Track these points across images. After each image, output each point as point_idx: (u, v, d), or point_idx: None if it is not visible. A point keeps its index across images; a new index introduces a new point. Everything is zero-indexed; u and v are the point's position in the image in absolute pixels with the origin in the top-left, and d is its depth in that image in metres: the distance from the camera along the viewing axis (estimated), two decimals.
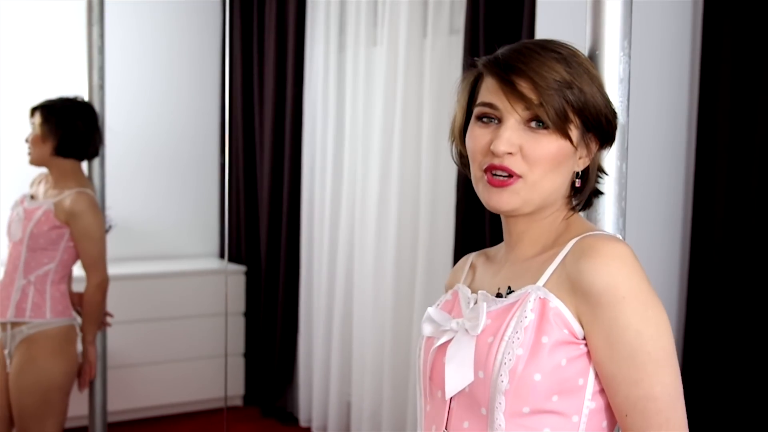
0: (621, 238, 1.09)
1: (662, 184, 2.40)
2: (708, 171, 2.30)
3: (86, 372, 2.76)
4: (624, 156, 1.20)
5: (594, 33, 1.20)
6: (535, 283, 1.09)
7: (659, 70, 2.37)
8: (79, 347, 2.71)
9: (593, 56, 1.20)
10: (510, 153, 1.09)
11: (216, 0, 4.61)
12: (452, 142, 1.24)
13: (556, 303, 1.06)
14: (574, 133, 1.10)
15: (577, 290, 1.05)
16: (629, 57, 1.20)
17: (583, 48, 1.21)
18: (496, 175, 1.10)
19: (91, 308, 2.69)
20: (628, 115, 1.20)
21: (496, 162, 1.10)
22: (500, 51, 1.14)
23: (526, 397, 1.04)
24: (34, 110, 2.68)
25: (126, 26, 4.33)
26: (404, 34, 3.36)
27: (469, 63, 1.20)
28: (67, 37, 4.11)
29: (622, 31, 1.19)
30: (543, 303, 1.06)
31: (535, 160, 1.09)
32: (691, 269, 2.36)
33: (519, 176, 1.09)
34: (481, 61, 1.16)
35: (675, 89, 2.39)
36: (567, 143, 1.09)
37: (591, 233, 1.10)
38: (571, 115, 1.09)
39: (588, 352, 1.05)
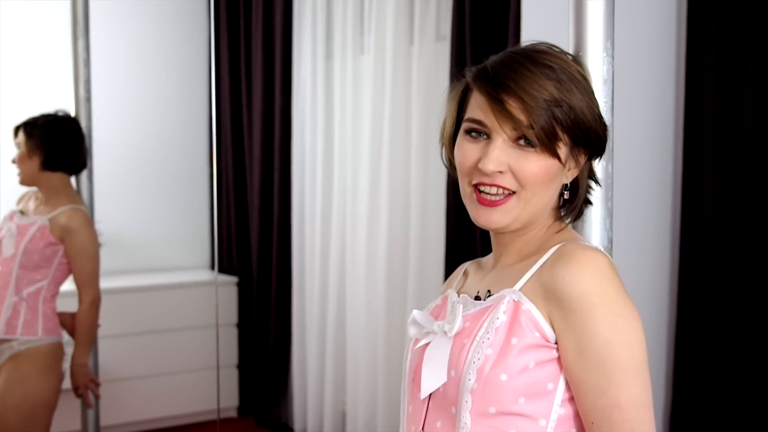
0: (602, 249, 1.10)
1: (649, 184, 2.41)
2: (695, 169, 2.31)
3: (93, 390, 2.75)
4: (610, 157, 1.20)
5: (577, 34, 1.20)
6: (512, 287, 1.10)
7: (645, 69, 2.38)
8: (65, 365, 2.69)
9: (577, 58, 1.20)
10: (500, 171, 1.09)
11: (202, 11, 4.61)
12: (442, 146, 1.24)
13: (528, 306, 1.06)
14: (563, 150, 1.10)
15: (550, 295, 1.05)
16: (612, 57, 1.20)
17: (567, 50, 1.21)
18: (484, 192, 1.11)
19: (85, 327, 2.67)
20: (612, 116, 1.20)
21: (487, 180, 1.10)
22: (489, 62, 1.13)
23: (493, 397, 1.04)
24: (17, 129, 2.67)
25: (112, 39, 4.33)
26: (391, 41, 3.36)
27: (458, 74, 1.21)
28: (53, 51, 4.10)
29: (605, 32, 1.20)
30: (516, 306, 1.07)
31: (524, 178, 1.09)
32: (680, 269, 2.36)
33: (512, 192, 1.10)
34: (470, 74, 1.16)
35: (661, 88, 2.40)
36: (555, 161, 1.10)
37: (570, 242, 1.11)
38: (560, 133, 1.09)
39: (560, 357, 1.06)
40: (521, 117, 1.07)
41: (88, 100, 2.89)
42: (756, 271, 2.18)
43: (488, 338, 1.06)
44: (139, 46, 4.47)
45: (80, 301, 2.67)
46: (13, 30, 4.10)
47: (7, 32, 4.08)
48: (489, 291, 1.15)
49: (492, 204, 1.11)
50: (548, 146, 1.08)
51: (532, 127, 1.07)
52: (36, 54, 4.14)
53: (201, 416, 4.25)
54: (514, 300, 1.07)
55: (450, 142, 1.20)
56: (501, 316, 1.06)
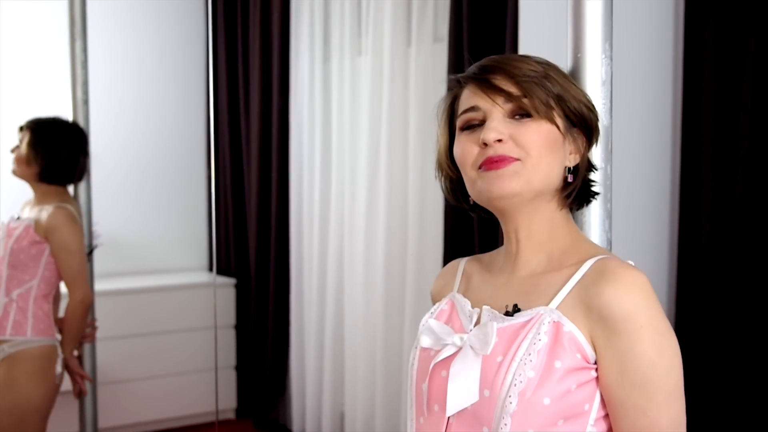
0: (633, 263, 1.09)
1: (648, 186, 2.41)
2: (693, 171, 2.31)
3: (79, 382, 2.74)
4: (609, 158, 1.20)
5: (575, 36, 1.20)
6: (546, 303, 1.08)
7: (642, 71, 2.38)
8: (59, 368, 2.67)
9: (576, 60, 1.20)
10: (500, 141, 1.09)
11: (200, 13, 4.61)
12: (440, 173, 1.23)
13: (570, 327, 1.04)
14: (559, 121, 1.11)
15: (593, 314, 1.04)
16: (611, 59, 1.20)
17: (566, 52, 1.22)
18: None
19: (71, 324, 2.63)
20: (611, 117, 1.20)
21: (491, 153, 1.09)
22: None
23: (533, 420, 1.02)
24: (24, 127, 2.66)
25: (109, 41, 4.33)
26: (389, 43, 3.37)
27: (447, 87, 1.21)
28: (50, 53, 4.10)
29: (604, 33, 1.20)
30: (557, 327, 1.05)
31: (526, 145, 1.09)
32: (679, 270, 2.36)
33: (517, 159, 1.09)
34: (456, 77, 1.18)
35: (659, 90, 2.40)
36: (554, 128, 1.10)
37: (607, 257, 1.09)
38: (553, 104, 1.10)
39: (597, 377, 1.05)
40: (512, 89, 1.09)
41: (86, 102, 2.88)
42: (754, 272, 2.18)
43: (530, 360, 1.03)
44: (136, 48, 4.47)
45: (69, 299, 2.63)
46: (10, 32, 4.10)
47: (4, 34, 4.08)
48: (516, 305, 1.11)
49: (499, 166, 1.08)
50: (544, 112, 1.09)
51: (524, 95, 1.09)
52: (33, 56, 4.14)
53: (199, 418, 4.24)
54: (554, 320, 1.05)
55: (446, 153, 1.20)
56: (543, 337, 1.04)
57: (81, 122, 2.85)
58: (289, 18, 3.96)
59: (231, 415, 4.40)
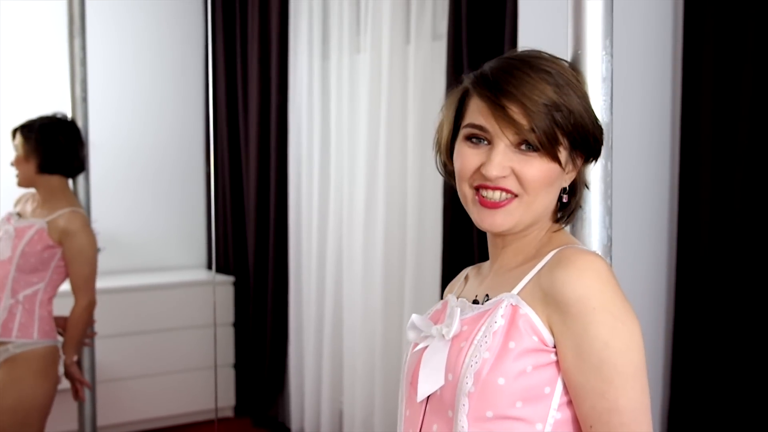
0: (601, 248, 1.10)
1: (648, 182, 2.42)
2: (692, 167, 2.31)
3: (79, 389, 2.74)
4: (609, 154, 1.20)
5: (576, 33, 1.20)
6: (511, 291, 1.11)
7: (642, 68, 2.38)
8: (61, 369, 2.67)
9: (576, 56, 1.20)
10: (503, 176, 1.10)
11: (198, 10, 4.61)
12: (437, 153, 1.24)
13: (526, 310, 1.07)
14: (563, 154, 1.11)
15: (549, 299, 1.06)
16: (611, 56, 1.20)
17: (566, 49, 1.22)
18: (487, 196, 1.12)
19: (75, 329, 2.65)
20: (611, 114, 1.20)
21: (490, 183, 1.11)
22: (488, 67, 1.14)
23: (490, 401, 1.04)
24: (14, 132, 2.67)
25: (108, 38, 4.32)
26: (387, 40, 3.37)
27: (455, 80, 1.21)
28: (49, 50, 4.09)
29: (604, 30, 1.19)
30: (514, 309, 1.07)
31: (527, 182, 1.10)
32: (678, 266, 2.37)
33: (515, 195, 1.11)
34: (468, 79, 1.16)
35: (658, 86, 2.41)
36: (556, 165, 1.11)
37: (569, 246, 1.12)
38: (560, 137, 1.10)
39: (558, 362, 1.06)
40: (523, 121, 1.08)
41: (85, 99, 2.88)
42: (753, 267, 2.18)
43: (486, 342, 1.06)
44: (135, 46, 4.46)
45: (75, 304, 2.66)
46: (9, 30, 4.09)
47: (3, 32, 4.07)
48: (487, 295, 1.15)
49: (495, 206, 1.12)
50: (549, 150, 1.09)
51: (533, 130, 1.08)
52: (32, 53, 4.13)
53: (198, 416, 4.24)
54: (512, 304, 1.08)
55: (447, 149, 1.21)
56: (499, 320, 1.07)
57: (80, 120, 2.85)
58: (287, 15, 3.96)
59: (230, 413, 4.41)
